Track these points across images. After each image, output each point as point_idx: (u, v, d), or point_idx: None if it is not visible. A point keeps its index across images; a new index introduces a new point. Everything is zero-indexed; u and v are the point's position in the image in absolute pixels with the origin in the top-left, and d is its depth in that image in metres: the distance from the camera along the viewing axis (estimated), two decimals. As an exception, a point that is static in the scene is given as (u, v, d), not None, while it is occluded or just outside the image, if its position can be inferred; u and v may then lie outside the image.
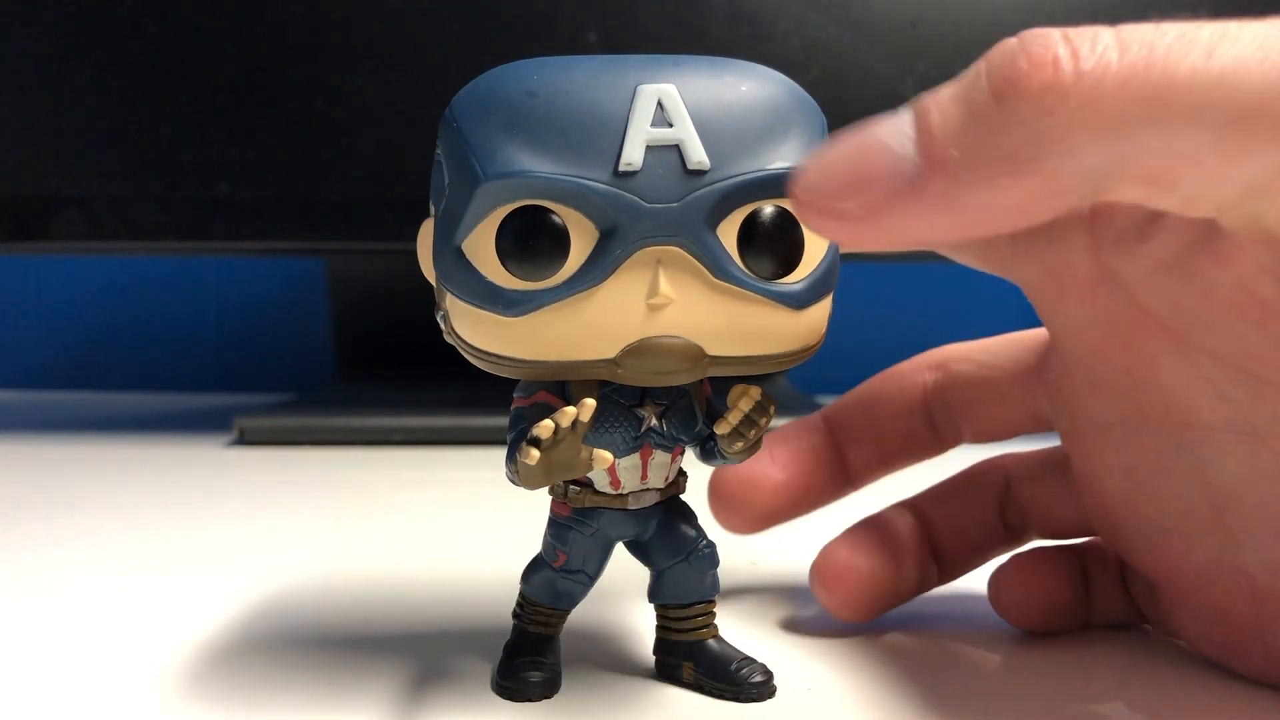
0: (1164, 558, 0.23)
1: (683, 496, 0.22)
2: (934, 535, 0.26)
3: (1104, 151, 0.15)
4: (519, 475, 0.19)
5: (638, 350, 0.18)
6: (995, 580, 0.25)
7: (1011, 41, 0.15)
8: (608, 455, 0.19)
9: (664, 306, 0.18)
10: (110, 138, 0.52)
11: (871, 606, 0.25)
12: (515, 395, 0.21)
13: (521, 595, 0.22)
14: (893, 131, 0.16)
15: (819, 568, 0.25)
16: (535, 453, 0.18)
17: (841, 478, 0.27)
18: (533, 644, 0.22)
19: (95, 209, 0.52)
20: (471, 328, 0.19)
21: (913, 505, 0.27)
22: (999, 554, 0.26)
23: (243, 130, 0.52)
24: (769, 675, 0.22)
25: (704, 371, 0.19)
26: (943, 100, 0.16)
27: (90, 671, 0.23)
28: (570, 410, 0.18)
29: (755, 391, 0.20)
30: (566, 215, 0.18)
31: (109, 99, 0.52)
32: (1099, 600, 0.25)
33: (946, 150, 0.16)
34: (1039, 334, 0.25)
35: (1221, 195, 0.16)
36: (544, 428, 0.18)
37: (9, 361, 0.78)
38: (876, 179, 0.16)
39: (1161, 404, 0.21)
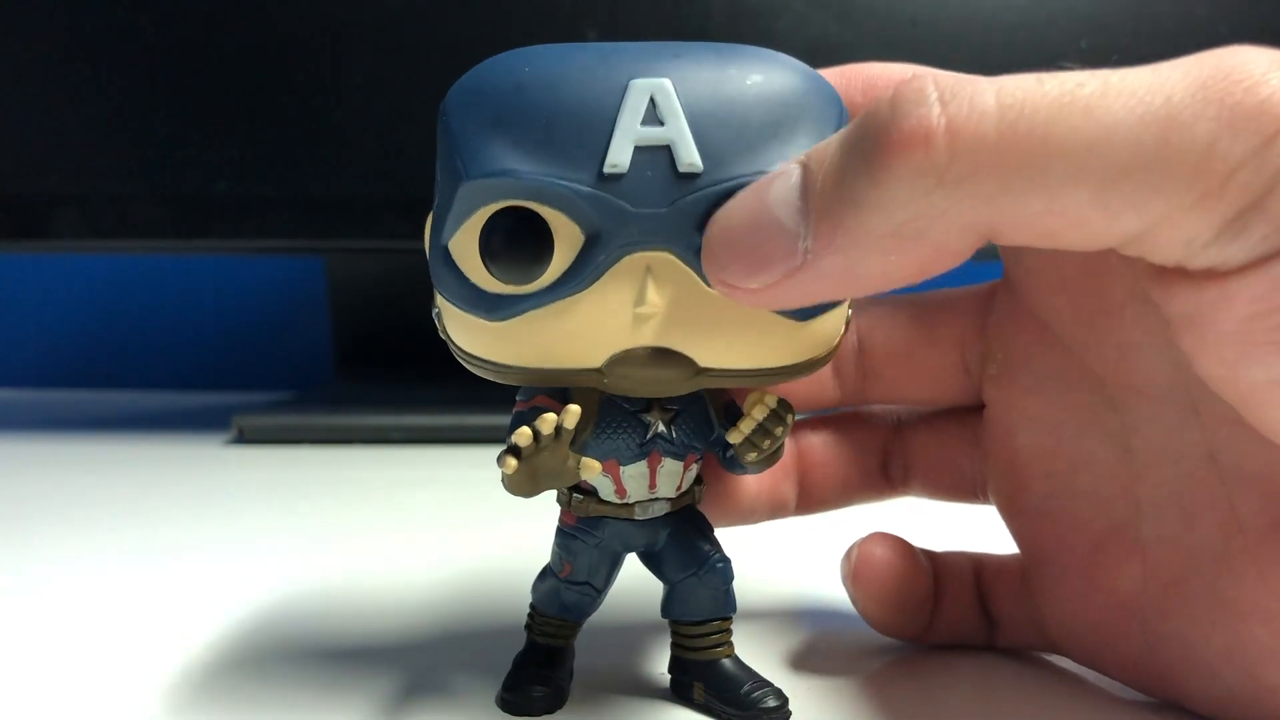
0: (1062, 521, 0.22)
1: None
2: (805, 462, 0.25)
3: (987, 216, 0.15)
4: (503, 483, 0.18)
5: (624, 360, 0.18)
6: (858, 555, 0.24)
7: (884, 106, 0.15)
8: (595, 464, 0.19)
9: (652, 316, 0.17)
10: (109, 137, 0.52)
11: (733, 516, 0.24)
12: (517, 398, 0.20)
13: (531, 605, 0.22)
14: (784, 202, 0.16)
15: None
16: (513, 461, 0.18)
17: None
18: (541, 656, 0.21)
19: (94, 208, 0.52)
20: (458, 329, 0.18)
21: (794, 431, 0.25)
22: (866, 500, 0.26)
23: (241, 129, 0.51)
24: (783, 700, 0.20)
25: (696, 385, 0.18)
26: (827, 171, 0.16)
27: (88, 670, 0.23)
28: (551, 417, 0.18)
29: (771, 399, 0.19)
30: (551, 218, 0.17)
31: (108, 98, 0.52)
32: (947, 610, 0.24)
33: (834, 231, 0.15)
34: (969, 288, 0.25)
35: (1105, 243, 0.16)
36: (523, 435, 0.18)
37: (8, 361, 0.78)
38: (774, 261, 0.16)
39: (1112, 359, 0.21)
